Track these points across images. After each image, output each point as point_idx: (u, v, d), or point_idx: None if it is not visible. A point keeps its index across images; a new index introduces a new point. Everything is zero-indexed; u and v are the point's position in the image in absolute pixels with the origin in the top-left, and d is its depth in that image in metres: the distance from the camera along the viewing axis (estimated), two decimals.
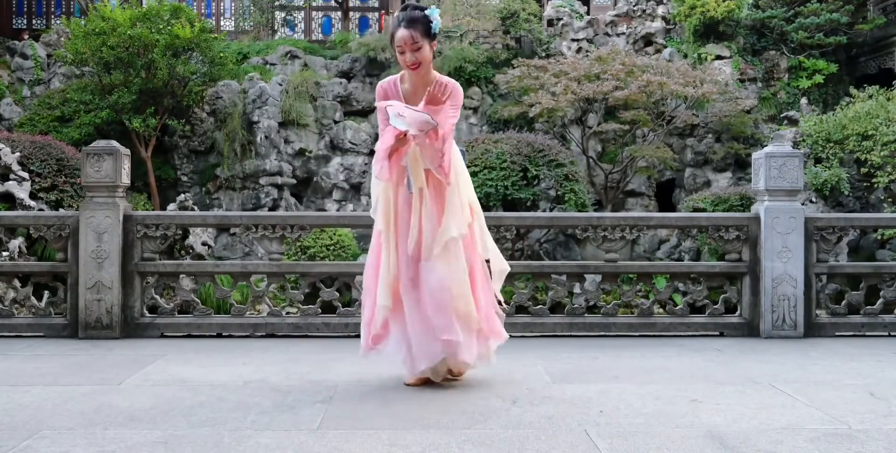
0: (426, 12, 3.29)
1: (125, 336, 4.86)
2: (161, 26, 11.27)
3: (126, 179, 4.98)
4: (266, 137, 12.25)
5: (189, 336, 4.96)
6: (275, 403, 3.20)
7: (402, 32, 3.27)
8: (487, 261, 3.59)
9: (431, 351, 3.37)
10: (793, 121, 11.98)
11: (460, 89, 3.43)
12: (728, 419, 2.98)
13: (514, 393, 3.36)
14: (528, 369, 3.90)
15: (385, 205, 3.42)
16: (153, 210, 11.09)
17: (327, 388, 3.46)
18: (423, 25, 3.27)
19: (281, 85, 12.66)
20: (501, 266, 3.61)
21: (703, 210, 9.53)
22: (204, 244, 8.33)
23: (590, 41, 13.88)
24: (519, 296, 5.10)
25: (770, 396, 3.36)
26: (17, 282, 5.43)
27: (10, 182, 8.00)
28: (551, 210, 9.73)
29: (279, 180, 12.21)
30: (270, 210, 11.82)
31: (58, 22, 15.18)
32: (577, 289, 5.73)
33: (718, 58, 12.93)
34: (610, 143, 12.58)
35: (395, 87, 3.49)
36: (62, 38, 13.47)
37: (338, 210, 12.28)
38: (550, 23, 14.09)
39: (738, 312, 5.20)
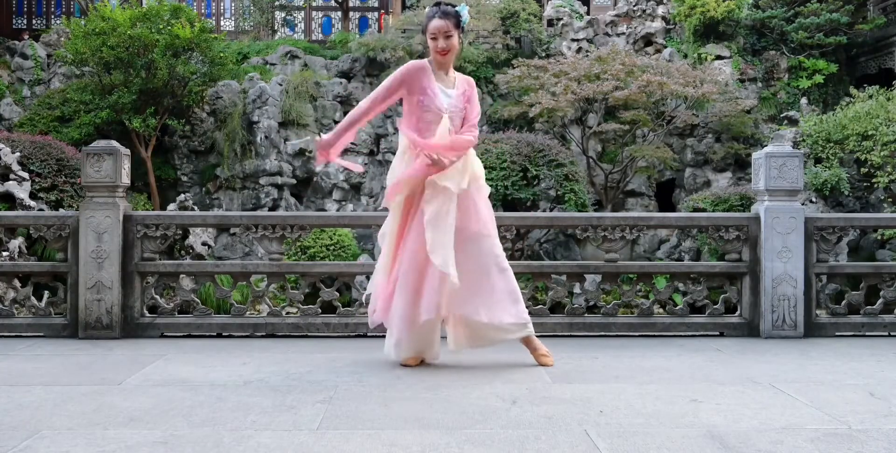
0: (457, 8, 3.86)
1: (125, 336, 4.86)
2: (161, 26, 11.28)
3: (126, 179, 4.98)
4: (266, 137, 12.25)
5: (189, 336, 4.96)
6: (275, 403, 3.19)
7: (436, 22, 3.78)
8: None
9: None
10: (793, 122, 11.98)
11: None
12: (728, 419, 2.98)
13: (514, 393, 3.36)
14: (528, 369, 3.90)
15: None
16: (153, 210, 11.09)
17: (327, 388, 3.46)
18: (454, 18, 3.81)
19: (281, 85, 12.66)
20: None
21: (703, 210, 9.53)
22: (204, 244, 8.34)
23: (590, 41, 13.88)
24: None
25: (770, 396, 3.36)
26: (17, 282, 5.43)
27: (10, 182, 8.01)
28: (551, 210, 9.73)
29: (279, 180, 12.20)
30: (270, 210, 11.82)
31: (58, 22, 15.19)
32: (577, 289, 5.73)
33: (718, 58, 12.92)
34: (610, 143, 12.58)
35: (427, 71, 3.83)
36: (62, 38, 13.48)
37: (338, 210, 12.28)
38: (550, 23, 14.09)
39: (738, 312, 5.19)
